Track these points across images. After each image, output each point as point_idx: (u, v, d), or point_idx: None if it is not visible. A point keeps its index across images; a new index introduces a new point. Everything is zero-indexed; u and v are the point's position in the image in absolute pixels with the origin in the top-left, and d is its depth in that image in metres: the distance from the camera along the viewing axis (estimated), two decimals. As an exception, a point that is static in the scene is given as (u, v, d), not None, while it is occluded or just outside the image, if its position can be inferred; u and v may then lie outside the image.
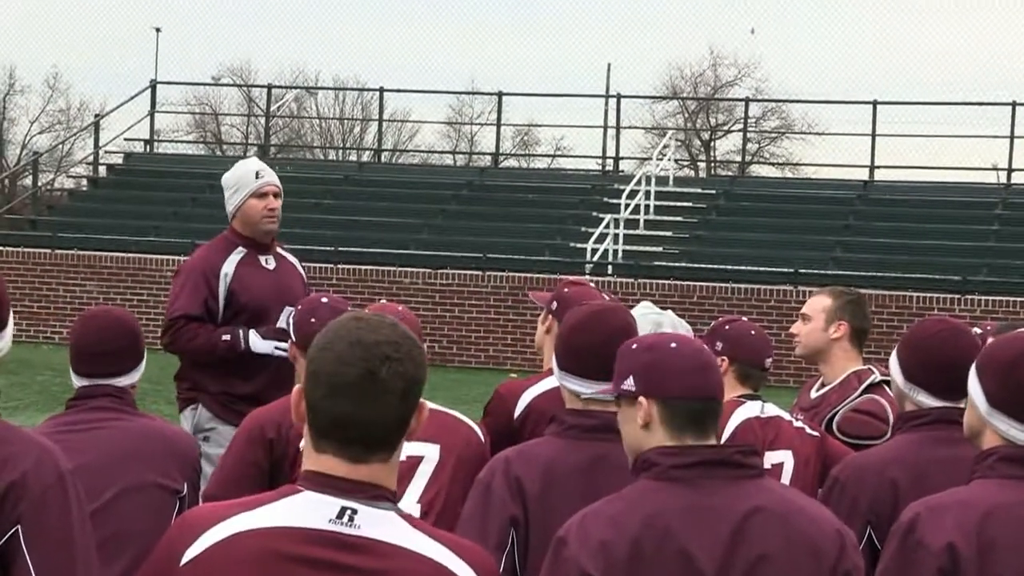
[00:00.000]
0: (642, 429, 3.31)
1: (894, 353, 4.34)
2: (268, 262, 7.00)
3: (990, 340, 4.14)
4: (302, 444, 2.73)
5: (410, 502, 4.46)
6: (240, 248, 6.95)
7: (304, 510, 2.61)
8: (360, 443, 2.61)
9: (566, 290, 5.14)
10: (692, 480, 3.23)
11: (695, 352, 3.35)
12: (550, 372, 4.89)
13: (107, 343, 4.58)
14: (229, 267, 6.89)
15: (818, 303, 5.71)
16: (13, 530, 3.25)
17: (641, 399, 3.31)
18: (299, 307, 5.23)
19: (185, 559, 2.61)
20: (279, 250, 7.12)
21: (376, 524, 2.60)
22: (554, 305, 5.09)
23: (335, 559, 2.58)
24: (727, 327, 5.21)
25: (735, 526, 3.18)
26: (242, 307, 6.83)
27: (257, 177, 7.00)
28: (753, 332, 5.19)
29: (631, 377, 3.35)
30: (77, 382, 4.62)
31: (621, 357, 3.42)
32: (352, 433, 2.61)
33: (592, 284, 5.40)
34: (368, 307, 4.98)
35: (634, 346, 3.40)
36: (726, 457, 3.26)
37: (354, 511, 2.60)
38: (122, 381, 4.60)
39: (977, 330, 5.25)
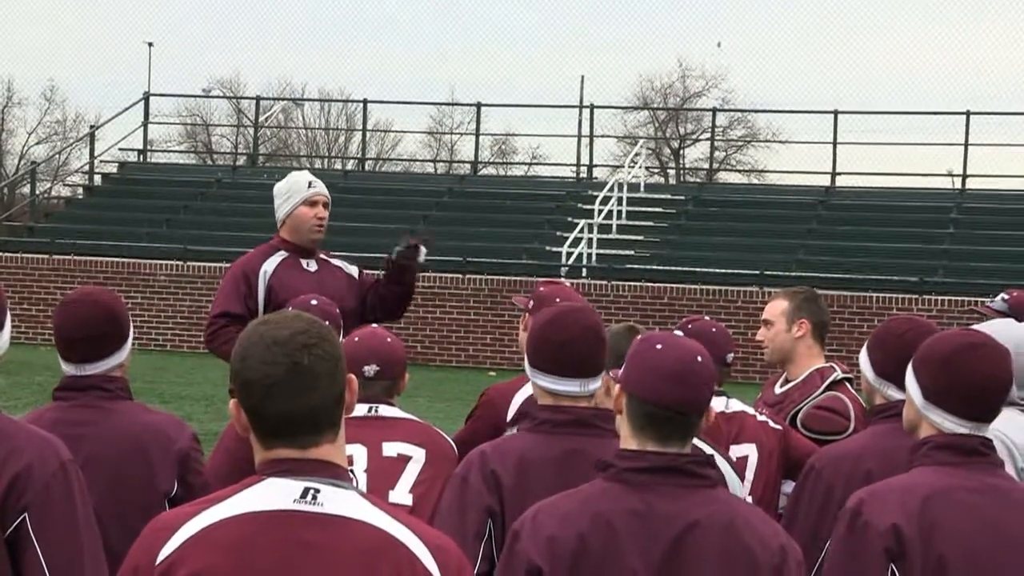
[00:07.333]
0: (619, 414, 3.36)
1: (864, 350, 4.45)
2: (309, 265, 6.97)
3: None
4: None
5: (402, 491, 4.57)
6: (282, 252, 6.95)
7: (269, 494, 2.65)
8: (308, 432, 2.67)
9: (541, 289, 5.31)
10: (643, 484, 3.23)
11: (680, 361, 3.29)
12: None
13: (87, 328, 4.37)
14: (269, 266, 6.89)
15: (776, 307, 5.76)
16: (20, 520, 3.29)
17: (619, 386, 3.36)
18: (288, 308, 5.19)
19: (160, 559, 2.63)
20: (322, 256, 7.09)
21: (338, 502, 2.65)
22: (531, 306, 5.23)
23: (300, 536, 2.61)
24: (689, 326, 5.24)
25: (676, 535, 3.19)
26: (280, 306, 6.41)
27: (309, 186, 7.00)
28: (714, 329, 5.22)
29: (626, 363, 3.37)
30: (64, 368, 4.44)
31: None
32: (298, 426, 2.67)
33: (568, 284, 5.60)
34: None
35: (639, 337, 3.44)
36: (680, 465, 3.25)
37: (317, 490, 2.64)
38: (108, 363, 4.39)
39: None
